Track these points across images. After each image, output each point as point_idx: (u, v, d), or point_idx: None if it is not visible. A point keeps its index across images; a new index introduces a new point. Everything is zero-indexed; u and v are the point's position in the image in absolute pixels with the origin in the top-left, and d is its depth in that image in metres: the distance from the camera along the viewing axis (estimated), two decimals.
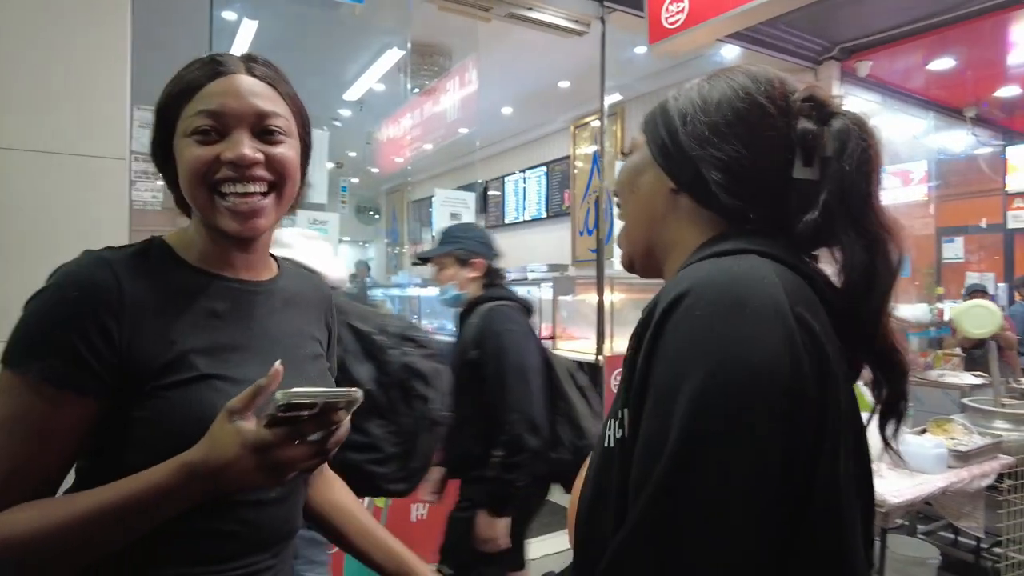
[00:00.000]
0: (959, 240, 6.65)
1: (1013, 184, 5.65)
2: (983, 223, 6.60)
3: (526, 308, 2.18)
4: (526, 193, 7.59)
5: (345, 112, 6.28)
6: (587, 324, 4.23)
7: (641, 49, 4.84)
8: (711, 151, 0.68)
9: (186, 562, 0.74)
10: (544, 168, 7.24)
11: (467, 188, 4.44)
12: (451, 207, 3.27)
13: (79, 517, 0.66)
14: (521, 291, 4.69)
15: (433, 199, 3.33)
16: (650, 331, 0.58)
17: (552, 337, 4.28)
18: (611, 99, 4.14)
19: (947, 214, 6.67)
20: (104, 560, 0.69)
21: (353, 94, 5.59)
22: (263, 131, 0.79)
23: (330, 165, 2.83)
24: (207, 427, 0.68)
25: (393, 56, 4.57)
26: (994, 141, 6.39)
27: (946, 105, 5.83)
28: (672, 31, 2.81)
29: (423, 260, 2.21)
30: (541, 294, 4.41)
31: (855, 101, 4.82)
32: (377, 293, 8.06)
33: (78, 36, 2.38)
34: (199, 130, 0.76)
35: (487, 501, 1.95)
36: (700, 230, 0.70)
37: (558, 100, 6.20)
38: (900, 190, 5.58)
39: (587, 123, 6.44)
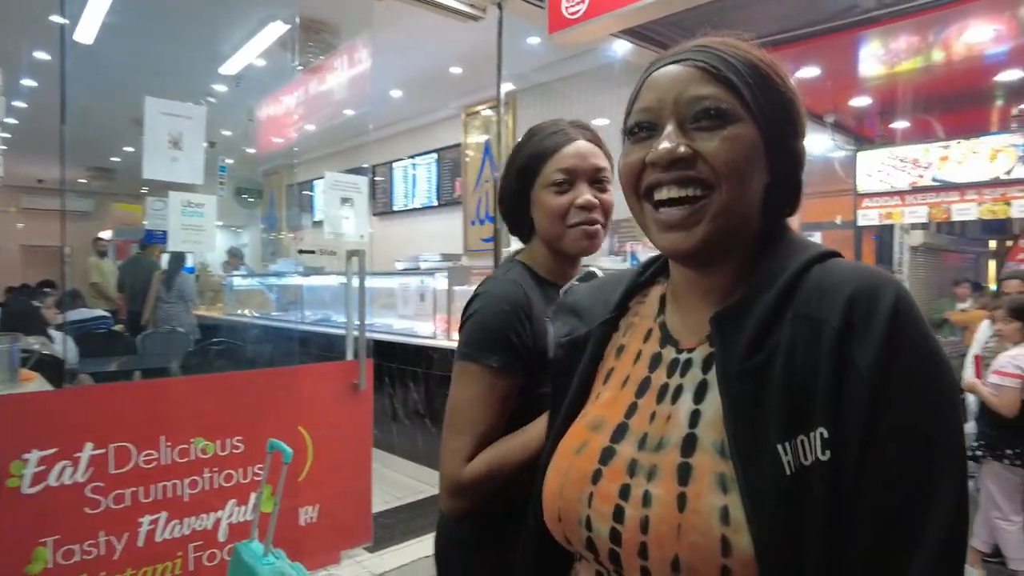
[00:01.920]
0: (818, 235, 7.25)
1: (862, 185, 6.21)
2: (838, 220, 7.24)
3: None
4: (416, 180, 7.42)
5: (220, 87, 5.83)
6: None
7: (535, 39, 4.85)
8: (804, 149, 0.69)
9: None
10: (435, 155, 7.11)
11: (354, 173, 4.24)
12: (341, 191, 3.08)
13: (522, 442, 0.98)
14: (414, 281, 4.58)
15: (317, 183, 3.13)
16: (877, 340, 0.55)
17: (446, 327, 4.20)
18: (504, 88, 4.11)
19: (809, 211, 7.26)
20: None
21: (230, 68, 5.19)
22: (596, 181, 1.11)
23: (203, 144, 2.58)
24: None
25: (276, 30, 4.27)
26: (847, 146, 7.01)
27: (810, 111, 6.30)
28: (572, 21, 2.81)
29: None
30: (435, 284, 4.31)
31: None
32: (253, 282, 7.60)
33: None
34: (556, 183, 1.09)
35: None
36: (757, 224, 0.67)
37: (449, 86, 6.10)
38: None
39: (478, 111, 6.38)
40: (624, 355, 0.74)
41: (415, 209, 7.45)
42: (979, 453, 3.16)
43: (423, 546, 3.16)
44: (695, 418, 0.63)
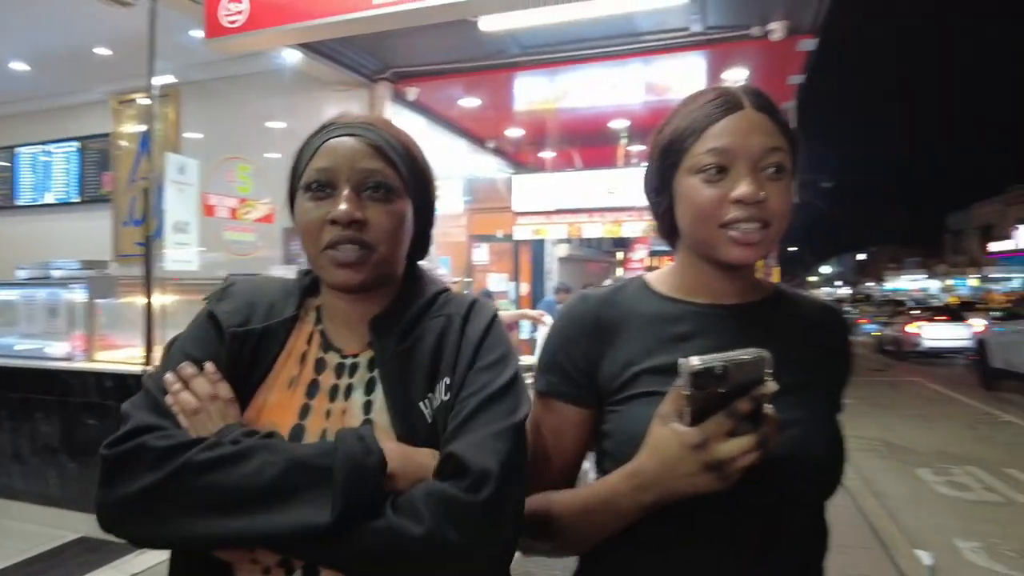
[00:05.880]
0: (485, 246, 8.08)
1: (517, 205, 7.12)
2: (499, 234, 8.16)
3: None
4: (51, 170, 6.30)
5: None
6: (134, 330, 3.76)
7: (198, 33, 4.53)
8: (435, 210, 0.98)
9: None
10: (77, 143, 6.13)
11: None
12: None
13: (567, 510, 0.84)
14: (42, 293, 3.89)
15: None
16: (481, 325, 0.83)
17: (87, 347, 3.68)
18: (163, 79, 3.77)
19: (476, 225, 8.03)
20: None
21: None
22: (763, 167, 0.80)
23: None
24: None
25: None
26: (507, 169, 7.95)
27: (475, 136, 7.02)
28: (231, 31, 2.73)
29: None
30: (73, 297, 3.74)
31: (405, 121, 5.42)
32: None
33: None
34: (704, 168, 0.81)
35: None
36: (402, 267, 0.90)
37: (94, 68, 5.34)
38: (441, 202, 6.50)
39: (133, 99, 5.70)
40: (290, 356, 0.85)
41: (49, 205, 6.30)
42: None
43: None
44: (368, 407, 0.80)
